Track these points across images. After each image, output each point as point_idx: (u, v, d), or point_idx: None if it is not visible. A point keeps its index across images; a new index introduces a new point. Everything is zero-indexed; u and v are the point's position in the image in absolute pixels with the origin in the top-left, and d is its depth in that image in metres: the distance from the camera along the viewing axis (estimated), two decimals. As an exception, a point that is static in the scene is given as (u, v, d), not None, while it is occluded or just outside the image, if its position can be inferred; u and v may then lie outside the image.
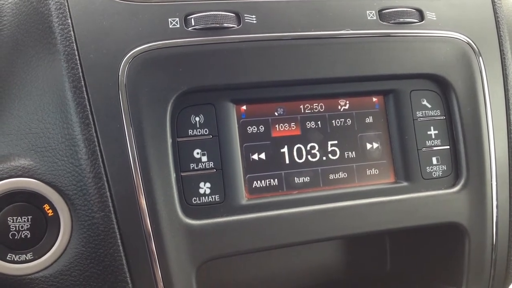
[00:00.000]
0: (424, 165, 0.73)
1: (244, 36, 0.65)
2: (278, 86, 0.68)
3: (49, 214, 0.60)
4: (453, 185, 0.73)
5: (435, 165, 0.73)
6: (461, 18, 0.75)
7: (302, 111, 0.70)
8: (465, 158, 0.72)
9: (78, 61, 0.60)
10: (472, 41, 0.74)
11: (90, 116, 0.60)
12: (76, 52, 0.60)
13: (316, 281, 0.83)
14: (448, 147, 0.74)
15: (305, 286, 0.82)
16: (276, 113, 0.69)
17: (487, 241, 0.73)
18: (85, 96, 0.60)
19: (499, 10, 0.78)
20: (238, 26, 0.65)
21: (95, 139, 0.59)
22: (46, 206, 0.60)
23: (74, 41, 0.61)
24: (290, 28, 0.67)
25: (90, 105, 0.60)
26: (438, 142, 0.73)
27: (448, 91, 0.73)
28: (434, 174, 0.73)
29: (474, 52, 0.74)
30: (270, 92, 0.68)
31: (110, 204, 0.59)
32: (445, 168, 0.73)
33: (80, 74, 0.60)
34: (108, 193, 0.59)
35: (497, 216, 0.73)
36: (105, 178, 0.59)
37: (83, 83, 0.60)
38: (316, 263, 0.84)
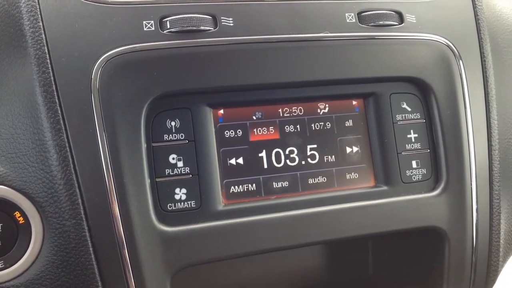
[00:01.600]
0: (404, 168, 0.72)
1: (221, 39, 0.64)
2: (256, 90, 0.67)
3: (20, 222, 0.59)
4: (433, 189, 0.72)
5: (415, 168, 0.72)
6: (441, 21, 0.74)
7: (281, 115, 0.69)
8: (445, 162, 0.72)
9: (50, 65, 0.59)
10: (452, 44, 0.74)
11: (61, 121, 0.58)
12: (47, 55, 0.59)
13: (298, 286, 0.82)
14: (428, 150, 0.73)
15: (285, 291, 0.81)
16: (254, 117, 0.68)
17: (467, 245, 0.73)
18: (57, 100, 0.58)
19: (479, 13, 0.78)
20: (214, 29, 0.64)
21: (67, 145, 0.58)
22: (17, 214, 0.59)
23: (45, 44, 0.59)
24: (268, 31, 0.66)
25: (61, 110, 0.58)
26: (418, 145, 0.73)
27: (428, 94, 0.73)
28: (414, 177, 0.72)
29: (454, 55, 0.73)
30: (248, 95, 0.67)
31: (82, 211, 0.58)
32: (425, 172, 0.73)
33: (52, 78, 0.59)
34: (79, 200, 0.58)
35: (477, 220, 0.73)
36: (76, 185, 0.58)
37: (54, 87, 0.59)
38: (297, 268, 0.83)
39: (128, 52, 0.60)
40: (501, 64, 0.81)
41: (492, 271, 0.76)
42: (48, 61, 0.59)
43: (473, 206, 0.73)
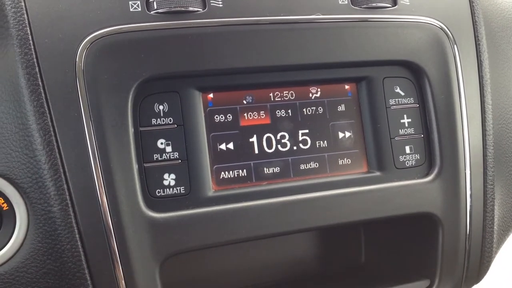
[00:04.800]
0: (397, 154, 0.71)
1: (209, 21, 0.62)
2: (246, 73, 0.65)
3: (4, 208, 0.57)
4: (427, 175, 0.71)
5: (408, 154, 0.71)
6: (435, 3, 0.73)
7: (272, 99, 0.67)
8: (438, 147, 0.71)
9: (32, 46, 0.57)
10: (446, 27, 0.72)
11: (45, 105, 0.56)
12: (30, 36, 0.57)
13: (289, 274, 0.81)
14: (422, 135, 0.72)
15: (277, 279, 0.80)
16: (244, 101, 0.66)
17: (461, 231, 0.72)
18: (40, 83, 0.57)
19: (473, -5, 0.77)
20: (203, 10, 0.62)
21: (51, 129, 0.56)
22: (0, 200, 0.57)
23: (27, 25, 0.57)
24: (258, 12, 0.64)
25: (45, 93, 0.57)
26: (411, 130, 0.72)
27: (421, 78, 0.71)
28: (408, 163, 0.71)
29: (448, 38, 0.72)
30: (238, 79, 0.65)
31: (68, 197, 0.56)
32: (418, 157, 0.72)
33: (34, 60, 0.57)
34: (65, 186, 0.56)
35: (471, 206, 0.72)
36: (61, 170, 0.56)
37: (37, 69, 0.57)
38: (289, 256, 0.82)
39: (114, 33, 0.59)
40: (495, 48, 0.80)
41: (485, 258, 0.75)
42: (31, 42, 0.57)
43: (467, 192, 0.72)
